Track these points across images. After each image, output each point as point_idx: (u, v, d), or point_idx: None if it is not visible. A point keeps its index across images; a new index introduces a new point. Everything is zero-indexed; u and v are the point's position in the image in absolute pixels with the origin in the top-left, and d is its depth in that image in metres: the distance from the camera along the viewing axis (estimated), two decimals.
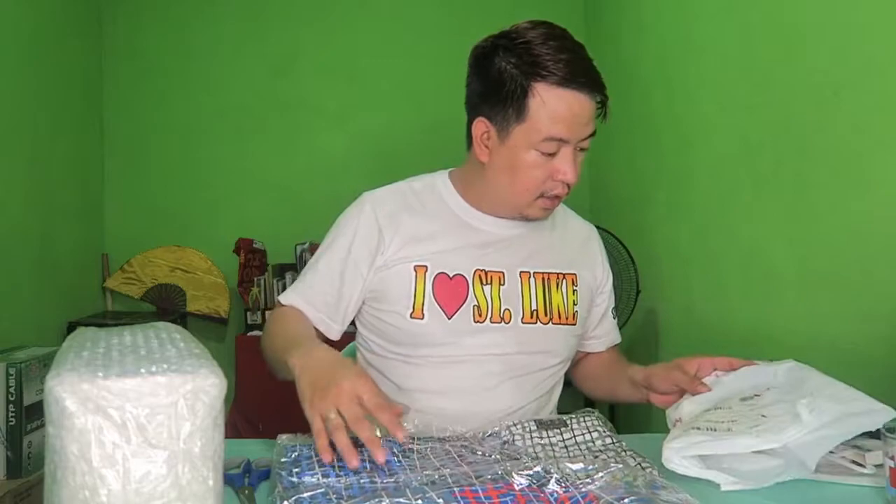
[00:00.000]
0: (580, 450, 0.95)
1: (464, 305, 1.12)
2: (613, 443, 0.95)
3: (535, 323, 1.15)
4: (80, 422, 0.56)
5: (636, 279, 2.43)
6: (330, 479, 0.77)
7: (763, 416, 0.87)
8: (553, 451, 0.95)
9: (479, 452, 0.89)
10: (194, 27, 3.21)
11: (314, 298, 1.15)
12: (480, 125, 1.11)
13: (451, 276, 1.13)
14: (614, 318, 1.32)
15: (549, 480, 0.78)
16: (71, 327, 2.67)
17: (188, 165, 3.21)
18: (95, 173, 3.14)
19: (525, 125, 1.06)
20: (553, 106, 1.05)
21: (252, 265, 3.02)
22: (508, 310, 1.14)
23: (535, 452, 0.94)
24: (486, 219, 1.18)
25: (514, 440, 0.96)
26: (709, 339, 2.08)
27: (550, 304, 1.17)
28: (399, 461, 0.84)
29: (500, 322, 1.13)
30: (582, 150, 1.09)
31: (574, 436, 0.97)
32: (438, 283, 1.13)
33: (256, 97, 3.20)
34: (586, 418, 1.00)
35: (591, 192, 3.22)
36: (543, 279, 1.18)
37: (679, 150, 2.25)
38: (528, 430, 0.98)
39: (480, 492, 0.75)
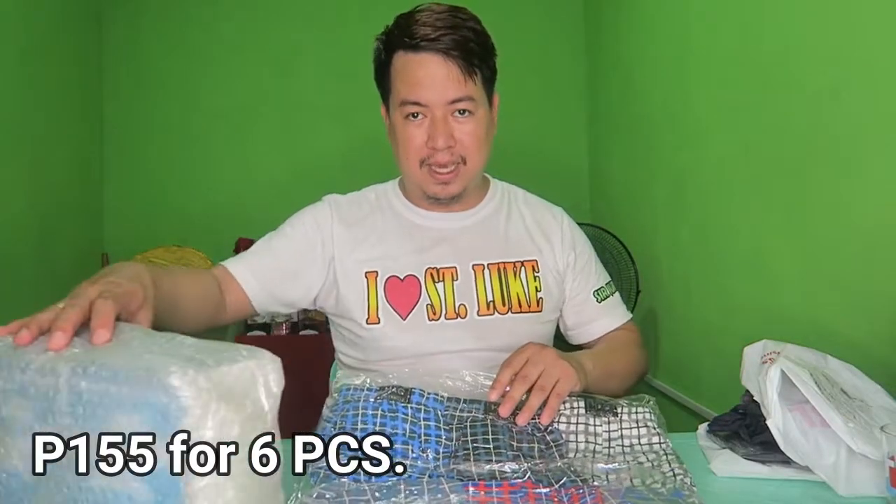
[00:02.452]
0: (622, 446, 0.92)
1: (417, 305, 1.13)
2: (659, 443, 0.92)
3: (493, 314, 1.15)
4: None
5: (636, 279, 2.42)
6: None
7: (854, 417, 0.87)
8: (595, 441, 0.92)
9: (518, 433, 0.90)
10: (194, 27, 3.20)
11: (259, 271, 1.15)
12: (383, 110, 1.17)
13: (402, 277, 1.14)
14: (599, 301, 1.25)
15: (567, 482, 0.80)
16: None
17: (188, 165, 3.20)
18: (95, 173, 3.13)
19: (392, 95, 1.11)
20: (404, 70, 1.08)
21: None
22: (463, 304, 1.14)
23: (577, 439, 0.92)
24: (431, 215, 1.18)
25: (559, 421, 0.93)
26: (709, 339, 2.08)
27: (509, 293, 1.16)
28: (438, 429, 0.88)
29: (456, 318, 1.13)
30: (461, 112, 1.08)
31: (621, 428, 0.93)
32: (390, 286, 1.14)
33: (256, 97, 3.20)
34: (639, 409, 0.95)
35: (591, 192, 3.22)
36: (499, 269, 1.17)
37: (678, 150, 2.25)
38: (576, 411, 0.94)
39: (494, 487, 0.77)
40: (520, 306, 1.16)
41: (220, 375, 0.57)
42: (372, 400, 0.88)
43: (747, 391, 0.99)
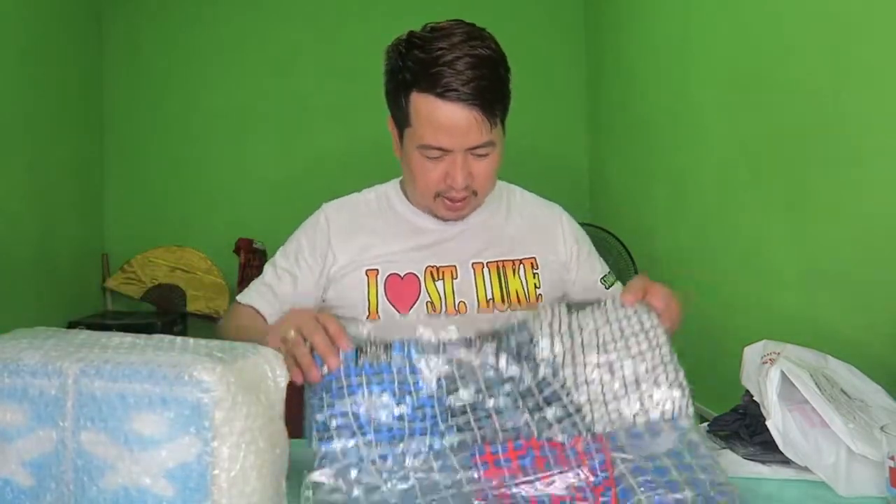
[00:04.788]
0: (611, 331, 0.84)
1: (417, 303, 1.14)
2: (652, 326, 0.84)
3: (493, 312, 1.15)
4: None
5: None
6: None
7: (854, 417, 0.87)
8: (581, 336, 0.84)
9: (494, 367, 0.83)
10: (194, 27, 3.20)
11: (272, 301, 1.18)
12: (390, 124, 1.15)
13: (402, 275, 1.15)
14: (607, 288, 1.24)
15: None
16: (71, 327, 2.67)
17: (188, 165, 3.20)
18: (95, 173, 3.13)
19: (410, 129, 1.08)
20: (428, 116, 1.04)
21: (252, 265, 3.02)
22: (463, 302, 1.15)
23: (562, 340, 0.84)
24: (432, 219, 1.19)
25: (537, 332, 0.84)
26: (709, 339, 2.08)
27: (508, 291, 1.17)
28: (427, 382, 0.82)
29: (456, 314, 1.14)
30: (479, 156, 1.07)
31: (607, 312, 0.86)
32: (390, 283, 1.15)
33: (256, 97, 3.20)
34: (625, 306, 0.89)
35: (591, 192, 3.22)
36: (498, 267, 1.18)
37: (679, 149, 2.25)
38: (557, 314, 0.87)
39: (501, 454, 0.75)
40: (519, 303, 1.17)
41: (240, 370, 0.58)
42: (353, 366, 0.83)
43: (747, 391, 0.99)
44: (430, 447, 0.77)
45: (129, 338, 0.66)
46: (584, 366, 0.81)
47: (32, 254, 2.58)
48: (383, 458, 0.76)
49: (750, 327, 1.77)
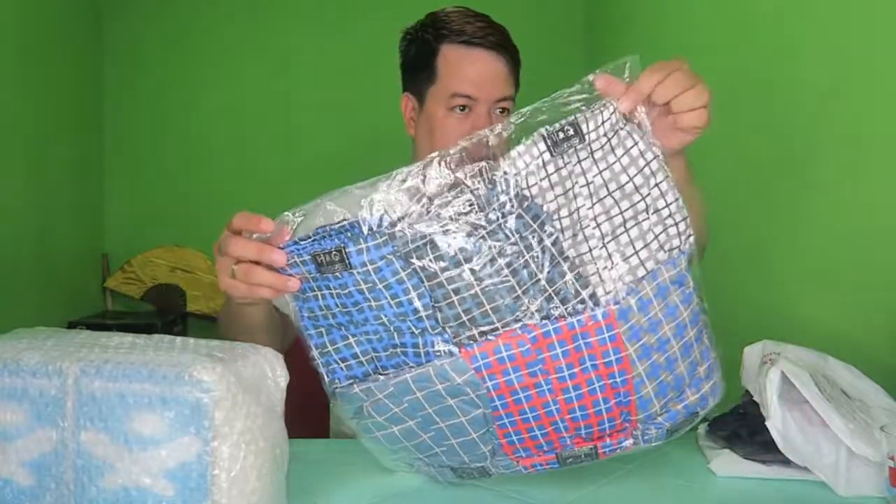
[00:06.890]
0: (605, 184, 0.73)
1: None
2: (646, 162, 0.75)
3: None
4: None
5: None
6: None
7: (854, 418, 0.87)
8: (572, 186, 0.72)
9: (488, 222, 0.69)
10: (194, 27, 3.20)
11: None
12: (405, 101, 1.19)
13: None
14: None
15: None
16: (71, 327, 2.67)
17: (188, 165, 3.20)
18: (95, 173, 3.13)
19: (436, 86, 1.12)
20: (457, 63, 1.09)
21: None
22: None
23: (555, 193, 0.71)
24: None
25: (520, 175, 0.70)
26: None
27: None
28: (400, 281, 0.70)
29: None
30: (503, 111, 1.11)
31: (594, 161, 0.73)
32: None
33: (256, 97, 3.19)
34: (603, 115, 0.75)
35: None
36: None
37: None
38: (538, 159, 0.71)
39: (499, 341, 0.68)
40: None
41: (240, 370, 0.58)
42: (311, 280, 0.73)
43: (747, 391, 0.99)
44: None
45: (129, 338, 0.66)
46: (580, 222, 0.71)
47: (32, 254, 2.58)
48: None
49: (750, 327, 1.77)
